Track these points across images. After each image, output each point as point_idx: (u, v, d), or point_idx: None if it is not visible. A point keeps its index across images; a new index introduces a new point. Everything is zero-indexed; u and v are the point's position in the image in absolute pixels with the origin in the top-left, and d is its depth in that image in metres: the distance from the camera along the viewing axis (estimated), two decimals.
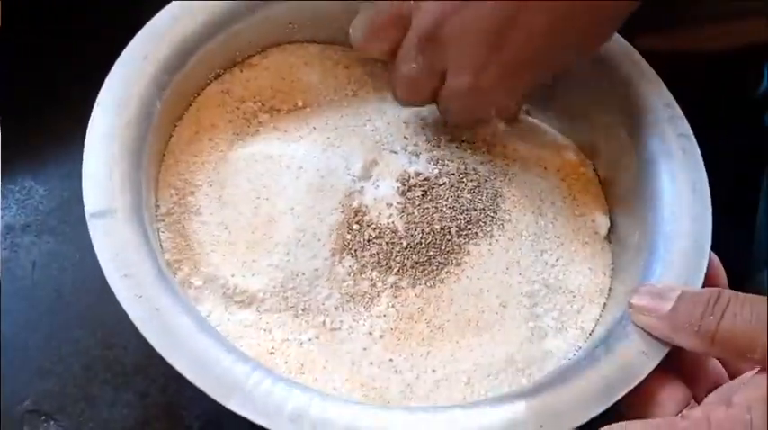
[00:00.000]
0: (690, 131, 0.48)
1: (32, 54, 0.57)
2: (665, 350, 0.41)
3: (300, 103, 0.53)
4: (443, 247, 0.48)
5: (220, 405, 0.37)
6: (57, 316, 0.50)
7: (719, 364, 0.42)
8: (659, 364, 0.41)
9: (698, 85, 0.50)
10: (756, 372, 0.39)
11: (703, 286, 0.44)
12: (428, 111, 0.52)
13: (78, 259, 0.51)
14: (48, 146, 0.54)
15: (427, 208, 0.49)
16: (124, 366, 0.49)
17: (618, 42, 0.51)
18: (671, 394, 0.40)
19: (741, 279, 0.47)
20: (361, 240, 0.47)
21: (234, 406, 0.37)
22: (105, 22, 0.57)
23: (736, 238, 0.46)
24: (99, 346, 0.49)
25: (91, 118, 0.44)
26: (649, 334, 0.41)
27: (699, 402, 0.40)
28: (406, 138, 0.52)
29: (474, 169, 0.51)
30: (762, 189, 0.57)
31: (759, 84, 0.61)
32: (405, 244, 0.48)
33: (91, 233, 0.41)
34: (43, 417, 0.47)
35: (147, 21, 0.48)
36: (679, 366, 0.42)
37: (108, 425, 0.48)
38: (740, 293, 0.39)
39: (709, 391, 0.40)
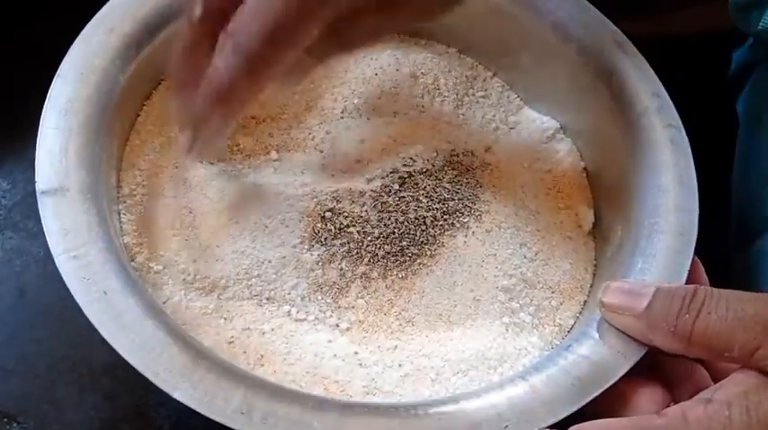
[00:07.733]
0: (678, 121, 0.46)
1: None
2: (642, 351, 0.39)
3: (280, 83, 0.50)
4: (417, 238, 0.46)
5: None
6: (19, 314, 0.48)
7: (704, 371, 0.40)
8: (639, 369, 0.39)
9: (675, 68, 0.48)
10: (736, 371, 0.37)
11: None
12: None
13: (42, 256, 0.49)
14: (8, 137, 0.52)
15: (403, 196, 0.47)
16: (90, 367, 0.47)
17: (604, 26, 0.49)
18: (649, 397, 0.38)
19: (718, 264, 0.45)
20: (332, 228, 0.45)
21: (179, 396, 0.35)
22: (63, 3, 0.55)
23: (708, 224, 0.43)
24: (64, 346, 0.47)
25: (49, 90, 0.42)
26: (626, 334, 0.39)
27: None
28: None
29: (456, 158, 0.49)
30: (733, 173, 0.54)
31: (727, 68, 0.60)
32: (377, 233, 0.46)
33: (40, 211, 0.39)
34: (6, 419, 0.45)
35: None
36: (660, 371, 0.40)
37: (74, 428, 0.45)
38: (716, 290, 0.37)
39: (692, 397, 0.38)
